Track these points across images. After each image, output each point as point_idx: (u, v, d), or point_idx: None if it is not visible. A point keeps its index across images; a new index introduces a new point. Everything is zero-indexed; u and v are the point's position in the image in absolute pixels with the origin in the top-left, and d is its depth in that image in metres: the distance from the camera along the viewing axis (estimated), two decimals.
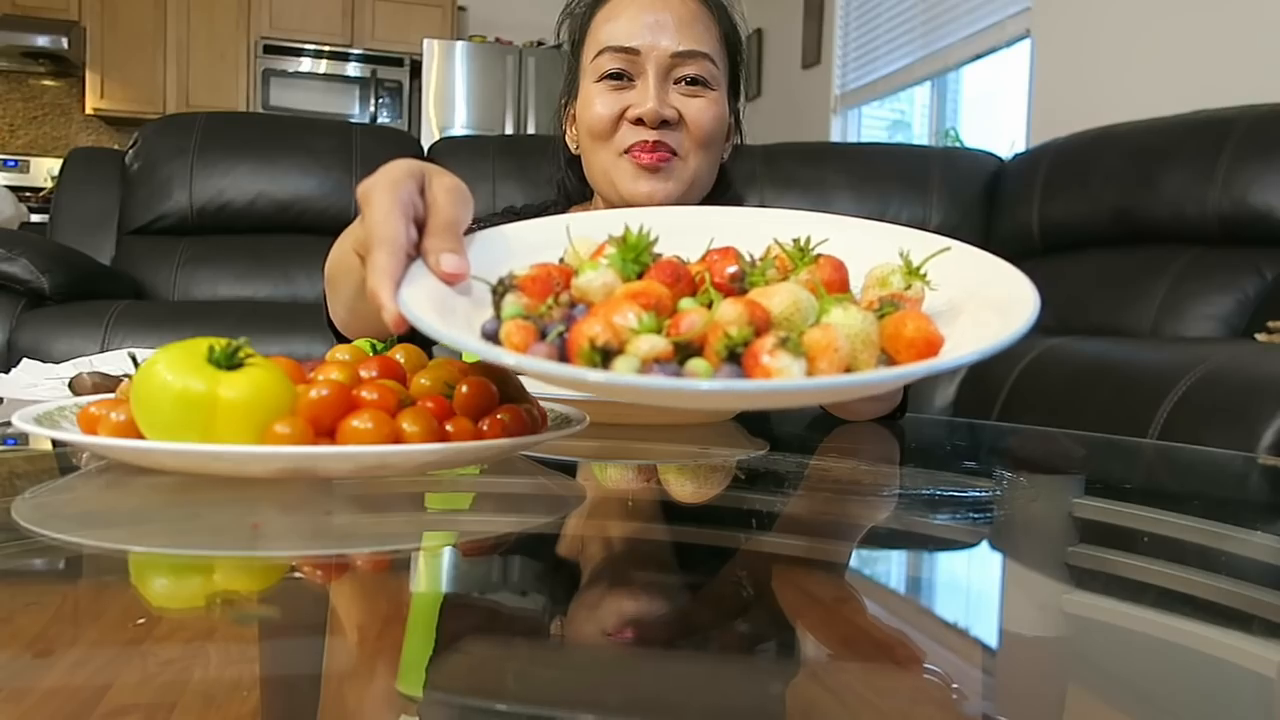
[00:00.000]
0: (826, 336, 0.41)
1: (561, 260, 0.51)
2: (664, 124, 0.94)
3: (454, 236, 0.50)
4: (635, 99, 0.95)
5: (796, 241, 0.51)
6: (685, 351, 0.42)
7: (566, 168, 1.09)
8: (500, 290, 0.47)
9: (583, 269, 0.47)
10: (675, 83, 0.95)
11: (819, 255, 0.50)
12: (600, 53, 0.96)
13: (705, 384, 0.40)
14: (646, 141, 0.94)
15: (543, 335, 0.44)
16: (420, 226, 0.50)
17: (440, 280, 0.48)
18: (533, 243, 0.54)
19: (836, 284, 0.49)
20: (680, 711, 0.29)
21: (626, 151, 0.95)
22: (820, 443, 0.89)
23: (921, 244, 0.52)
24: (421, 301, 0.45)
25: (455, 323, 0.46)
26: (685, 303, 0.44)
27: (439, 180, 0.53)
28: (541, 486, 0.62)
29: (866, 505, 0.61)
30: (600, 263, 0.47)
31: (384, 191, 0.50)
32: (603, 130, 0.96)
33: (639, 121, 0.94)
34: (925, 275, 0.50)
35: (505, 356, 0.41)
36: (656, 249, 0.49)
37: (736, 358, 0.41)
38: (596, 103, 0.96)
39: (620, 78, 0.96)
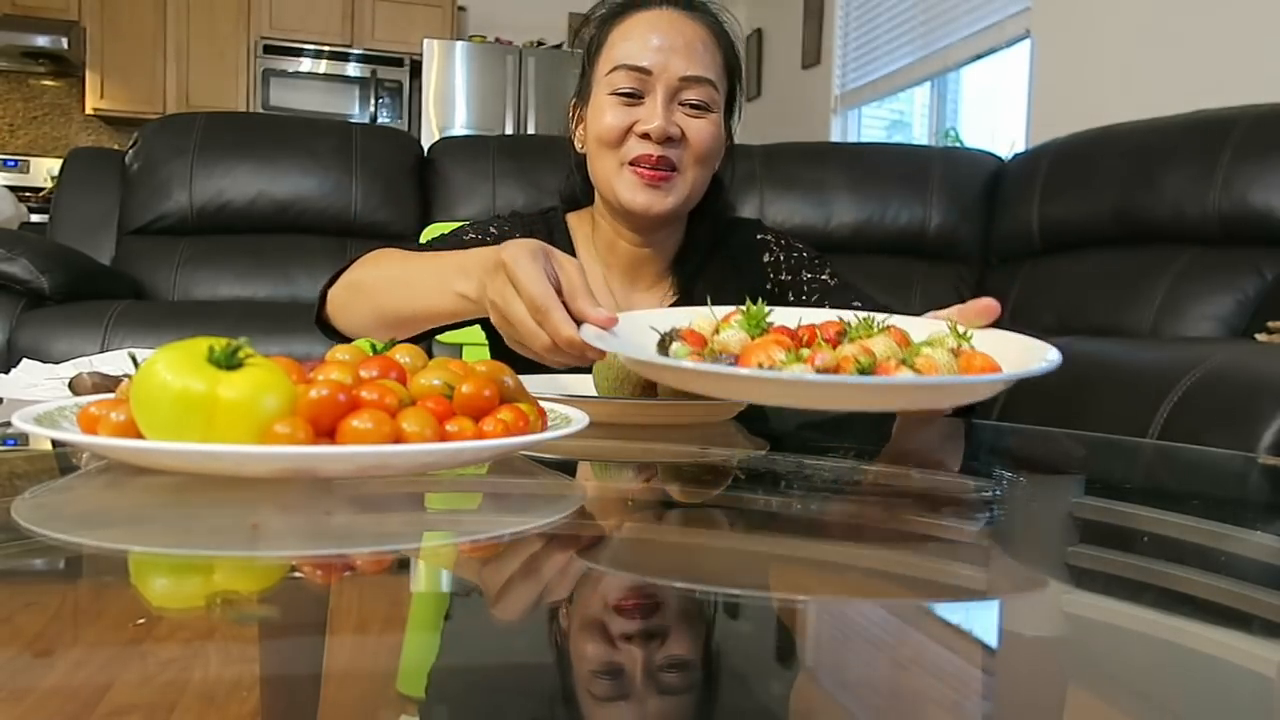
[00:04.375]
0: (929, 361, 0.62)
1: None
2: (668, 140, 1.04)
3: (591, 298, 0.69)
4: (644, 115, 1.04)
5: (864, 319, 0.69)
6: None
7: (575, 168, 1.18)
8: (668, 338, 0.67)
9: (721, 329, 0.68)
10: (680, 104, 1.05)
11: (888, 326, 0.69)
12: (615, 69, 1.05)
13: (857, 379, 0.59)
14: (651, 155, 1.04)
15: None
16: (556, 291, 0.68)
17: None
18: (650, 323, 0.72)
19: (905, 344, 0.67)
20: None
21: (632, 162, 1.05)
22: (820, 443, 0.89)
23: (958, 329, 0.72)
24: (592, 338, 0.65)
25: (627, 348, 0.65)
26: (804, 351, 0.62)
27: (558, 257, 0.72)
28: (541, 486, 0.62)
29: (866, 505, 0.61)
30: (731, 325, 0.68)
31: (530, 264, 0.69)
32: (611, 139, 1.06)
33: (645, 136, 1.04)
34: (970, 337, 0.70)
35: (693, 365, 0.61)
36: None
37: (867, 374, 0.60)
38: (608, 115, 1.05)
39: (631, 94, 1.05)
